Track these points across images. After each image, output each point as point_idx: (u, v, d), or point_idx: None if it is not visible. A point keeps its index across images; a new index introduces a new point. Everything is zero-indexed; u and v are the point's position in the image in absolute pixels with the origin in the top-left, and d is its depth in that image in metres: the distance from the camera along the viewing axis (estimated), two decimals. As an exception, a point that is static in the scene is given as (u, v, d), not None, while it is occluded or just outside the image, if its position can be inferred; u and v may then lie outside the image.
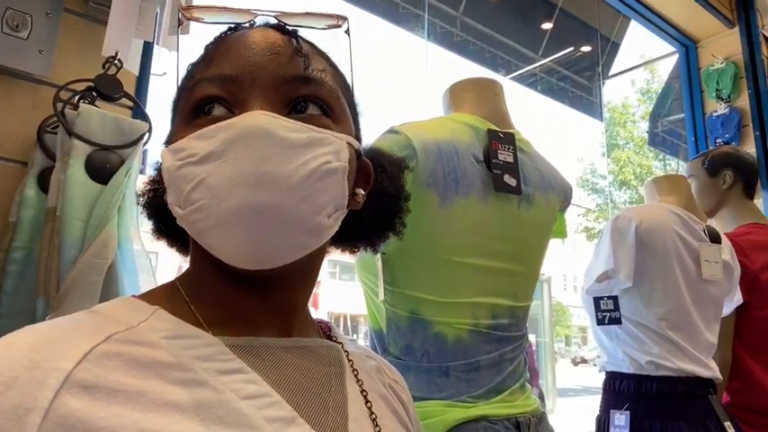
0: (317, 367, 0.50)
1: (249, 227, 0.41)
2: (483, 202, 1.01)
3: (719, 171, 1.96)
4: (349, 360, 0.55)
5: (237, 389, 0.42)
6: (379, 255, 1.03)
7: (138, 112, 1.20)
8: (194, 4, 1.24)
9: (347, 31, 0.54)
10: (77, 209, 0.97)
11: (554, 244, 1.26)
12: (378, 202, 0.58)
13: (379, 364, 0.61)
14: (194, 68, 0.50)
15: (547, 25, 4.68)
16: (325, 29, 0.53)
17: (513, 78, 6.22)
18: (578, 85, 5.46)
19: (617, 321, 1.49)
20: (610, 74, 5.63)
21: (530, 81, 6.15)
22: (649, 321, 1.47)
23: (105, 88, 1.08)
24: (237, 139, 0.42)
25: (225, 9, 0.52)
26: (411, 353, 0.99)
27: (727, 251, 1.61)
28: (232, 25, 0.51)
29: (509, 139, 1.05)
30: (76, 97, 1.05)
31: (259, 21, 0.51)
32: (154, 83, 1.37)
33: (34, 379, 0.36)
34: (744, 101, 3.55)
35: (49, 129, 1.06)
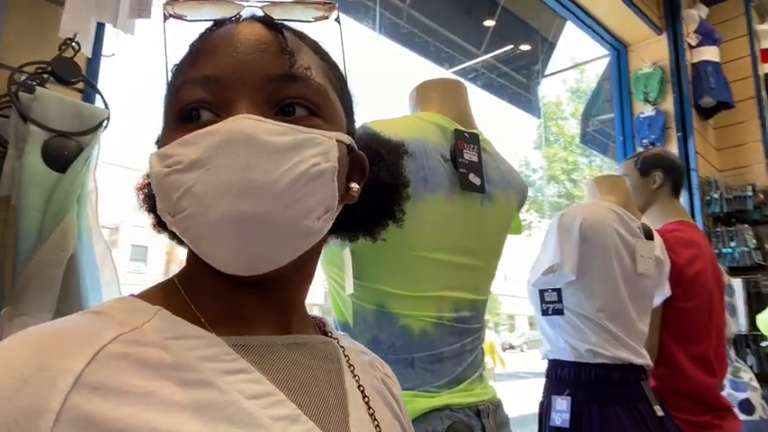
0: (316, 364, 0.51)
1: (236, 235, 0.42)
2: (449, 200, 1.04)
3: (650, 171, 2.10)
4: (345, 355, 0.56)
5: (243, 389, 0.43)
6: (347, 249, 1.05)
7: (91, 96, 1.15)
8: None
9: (337, 19, 0.53)
10: (34, 198, 0.93)
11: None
12: (374, 193, 0.58)
13: (372, 359, 0.63)
14: (180, 67, 0.49)
15: (489, 22, 4.81)
16: (312, 21, 0.52)
17: (455, 72, 6.35)
18: (517, 82, 5.64)
19: (560, 312, 1.58)
20: (546, 73, 5.85)
21: (471, 76, 6.32)
22: (589, 312, 1.56)
23: (62, 72, 1.04)
24: (221, 146, 0.42)
25: (208, 1, 0.49)
26: (377, 345, 1.02)
27: (658, 247, 1.74)
28: (217, 19, 0.50)
29: (474, 139, 1.09)
30: (32, 80, 1.00)
31: (245, 13, 0.49)
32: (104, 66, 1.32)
33: (45, 380, 0.36)
34: (668, 104, 3.79)
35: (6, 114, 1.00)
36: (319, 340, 0.54)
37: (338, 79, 0.54)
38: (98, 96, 1.11)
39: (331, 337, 0.58)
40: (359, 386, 0.54)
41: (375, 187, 0.58)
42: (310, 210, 0.44)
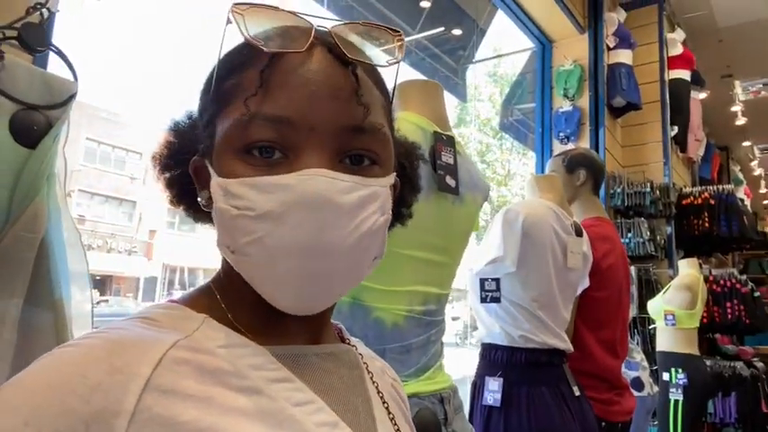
0: (343, 371, 0.54)
1: (301, 289, 0.45)
2: (426, 200, 1.09)
3: (576, 169, 2.27)
4: (364, 362, 0.59)
5: (288, 396, 0.45)
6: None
7: (49, 65, 1.07)
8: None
9: (400, 46, 0.52)
10: (2, 175, 0.87)
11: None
12: (396, 209, 0.59)
13: (383, 365, 0.66)
14: (242, 84, 0.47)
15: (425, 3, 4.84)
16: (386, 66, 0.51)
17: (386, 48, 6.32)
18: (446, 65, 5.73)
19: (497, 300, 1.69)
20: (474, 60, 6.00)
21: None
22: (524, 301, 1.69)
23: (30, 38, 0.96)
24: (297, 206, 0.43)
25: (280, 12, 0.47)
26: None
27: (585, 243, 1.91)
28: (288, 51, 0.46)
29: (450, 142, 1.15)
30: (-3, 46, 0.92)
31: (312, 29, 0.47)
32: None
33: (118, 383, 0.38)
34: (585, 101, 4.05)
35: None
36: (342, 348, 0.57)
37: (389, 105, 0.54)
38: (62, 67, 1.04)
39: (349, 344, 0.61)
40: (378, 392, 0.58)
41: (397, 205, 0.59)
42: (368, 259, 0.49)
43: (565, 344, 1.75)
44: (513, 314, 1.70)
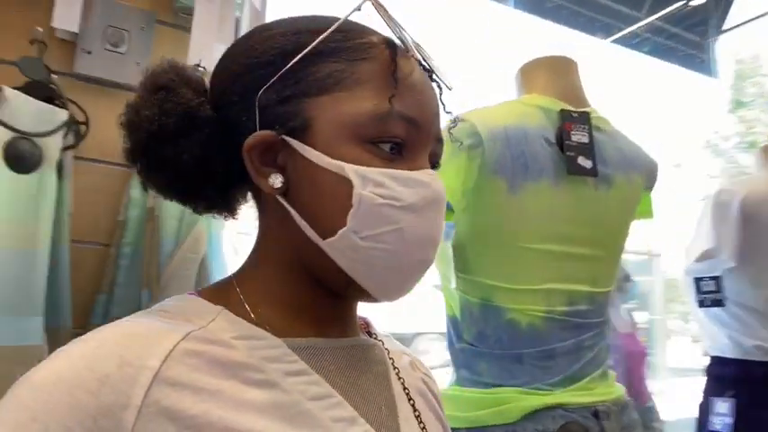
0: (367, 366, 0.52)
1: (415, 276, 0.49)
2: (555, 186, 0.98)
3: None
4: (390, 358, 0.56)
5: (304, 390, 0.44)
6: (449, 243, 1.04)
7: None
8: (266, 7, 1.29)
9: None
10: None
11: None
12: None
13: (413, 360, 0.62)
14: (363, 76, 0.47)
15: (650, -18, 4.31)
16: (452, 90, 0.54)
17: (614, 41, 5.79)
18: (688, 42, 4.98)
19: (719, 303, 1.39)
20: (724, 27, 5.06)
21: (633, 42, 5.69)
22: (756, 303, 1.35)
23: (28, 70, 1.09)
24: (433, 203, 0.48)
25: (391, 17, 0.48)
26: (484, 339, 1.00)
27: None
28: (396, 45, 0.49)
29: (583, 119, 1.01)
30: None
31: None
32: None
33: (127, 376, 0.38)
34: None
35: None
36: (368, 343, 0.55)
37: None
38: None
39: (376, 338, 0.58)
40: (404, 388, 0.55)
41: None
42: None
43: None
44: (742, 319, 1.37)
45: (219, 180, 0.50)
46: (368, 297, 0.49)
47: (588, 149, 0.99)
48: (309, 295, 0.50)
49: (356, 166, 0.45)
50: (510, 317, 0.98)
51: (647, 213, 1.17)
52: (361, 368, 0.51)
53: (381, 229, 0.45)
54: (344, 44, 0.48)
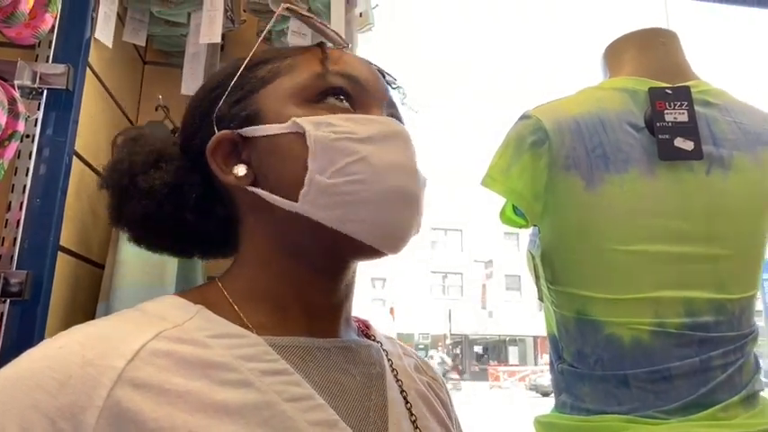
0: (358, 368, 0.49)
1: (402, 209, 0.47)
2: (650, 176, 0.83)
3: None
4: (388, 359, 0.53)
5: (281, 390, 0.42)
6: (534, 254, 0.94)
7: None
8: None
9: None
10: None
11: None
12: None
13: (418, 362, 0.58)
14: (302, 57, 0.51)
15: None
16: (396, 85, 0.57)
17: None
18: None
19: None
20: None
21: None
22: None
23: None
24: (393, 135, 0.48)
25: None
26: (583, 360, 0.87)
27: None
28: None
29: (681, 95, 0.85)
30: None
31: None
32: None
33: (89, 376, 0.37)
34: None
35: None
36: (362, 344, 0.52)
37: None
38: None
39: (374, 340, 0.55)
40: (401, 391, 0.51)
41: None
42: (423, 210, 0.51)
43: None
44: None
45: (195, 207, 0.51)
46: (362, 250, 0.46)
47: (689, 129, 0.83)
48: (296, 289, 0.48)
49: (307, 118, 0.46)
50: (609, 332, 0.84)
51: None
52: (350, 369, 0.49)
53: (344, 161, 0.45)
54: (280, 51, 0.53)
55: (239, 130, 0.49)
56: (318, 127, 0.46)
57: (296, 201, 0.45)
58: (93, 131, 1.19)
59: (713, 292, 0.83)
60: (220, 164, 0.49)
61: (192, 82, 1.35)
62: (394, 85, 0.56)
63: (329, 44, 0.54)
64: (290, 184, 0.45)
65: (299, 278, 0.48)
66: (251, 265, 0.50)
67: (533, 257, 0.96)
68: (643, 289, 0.83)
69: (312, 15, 0.55)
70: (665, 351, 0.81)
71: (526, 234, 1.05)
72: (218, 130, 0.50)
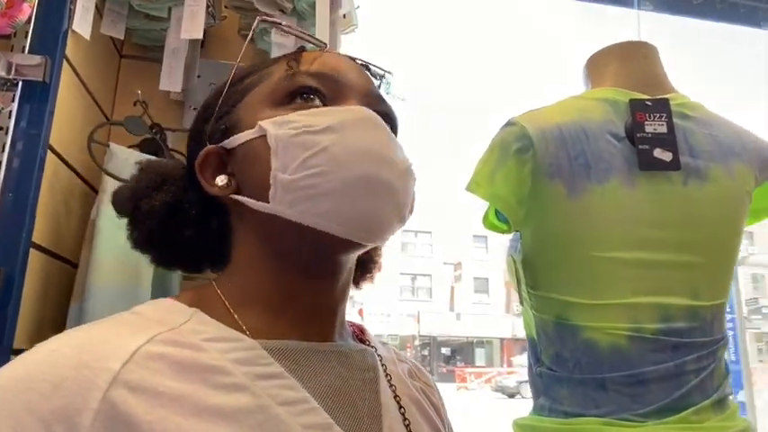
0: (352, 373, 0.49)
1: (370, 197, 0.44)
2: (629, 185, 0.86)
3: None
4: (382, 365, 0.53)
5: (275, 394, 0.42)
6: (515, 258, 0.96)
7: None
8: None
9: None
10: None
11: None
12: None
13: (411, 368, 0.58)
14: (278, 64, 0.52)
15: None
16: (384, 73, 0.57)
17: (791, 29, 4.96)
18: None
19: None
20: None
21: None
22: None
23: (132, 128, 1.23)
24: (359, 121, 0.46)
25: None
26: (561, 363, 0.89)
27: None
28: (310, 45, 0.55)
29: (661, 107, 0.88)
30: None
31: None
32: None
33: (84, 378, 0.37)
34: None
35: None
36: (356, 348, 0.52)
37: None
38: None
39: (369, 345, 0.55)
40: (395, 396, 0.51)
41: None
42: (410, 200, 0.49)
43: None
44: None
45: (195, 223, 0.53)
46: (337, 243, 0.45)
47: (667, 140, 0.86)
48: (287, 291, 0.48)
49: (269, 120, 0.47)
50: (587, 336, 0.86)
51: (762, 212, 0.97)
52: (344, 374, 0.49)
53: (304, 155, 0.44)
54: (264, 62, 0.55)
55: (222, 143, 0.50)
56: (279, 126, 0.46)
57: (267, 202, 0.45)
58: (69, 125, 1.16)
59: (687, 298, 0.86)
60: (209, 178, 0.50)
61: (170, 78, 1.33)
62: (378, 76, 0.56)
63: (311, 47, 0.55)
64: (261, 186, 0.46)
65: (288, 280, 0.48)
66: (243, 268, 0.50)
67: (515, 262, 0.97)
68: (621, 295, 0.85)
69: (289, 24, 0.57)
70: (642, 356, 0.84)
71: (495, 237, 1.07)
72: (209, 144, 0.52)
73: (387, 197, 0.45)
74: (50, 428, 0.34)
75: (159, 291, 1.19)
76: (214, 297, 0.49)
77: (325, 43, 0.56)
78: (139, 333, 0.41)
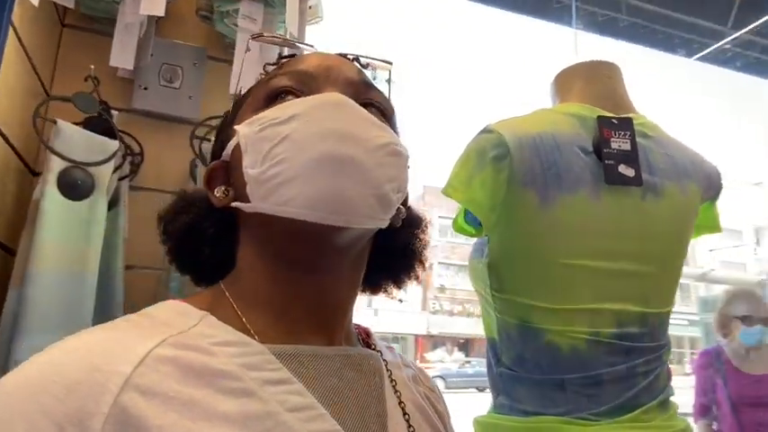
0: (358, 378, 0.49)
1: (332, 175, 0.43)
2: (594, 198, 0.91)
3: None
4: (387, 370, 0.53)
5: (283, 400, 0.42)
6: (484, 261, 0.99)
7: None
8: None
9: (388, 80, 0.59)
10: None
11: None
12: (409, 230, 0.58)
13: (416, 373, 0.59)
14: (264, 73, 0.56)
15: (733, -7, 4.03)
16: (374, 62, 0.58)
17: (699, 59, 5.44)
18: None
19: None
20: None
21: (722, 59, 5.31)
22: None
23: (81, 104, 1.14)
24: (321, 105, 0.46)
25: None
26: (523, 364, 0.93)
27: None
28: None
29: (625, 125, 0.94)
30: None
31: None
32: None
33: (96, 382, 0.37)
34: None
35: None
36: (362, 353, 0.52)
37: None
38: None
39: (375, 349, 0.56)
40: (399, 402, 0.52)
41: (410, 226, 0.58)
42: (391, 178, 0.46)
43: None
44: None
45: (215, 240, 0.53)
46: (313, 230, 0.43)
47: (631, 157, 0.91)
48: (290, 290, 0.48)
49: (248, 120, 0.48)
50: (548, 339, 0.90)
51: (713, 227, 1.06)
52: (351, 379, 0.48)
53: (267, 147, 0.45)
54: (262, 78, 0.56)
55: (222, 157, 0.52)
56: (249, 125, 0.47)
57: (249, 201, 0.46)
58: (10, 99, 1.06)
59: (639, 305, 0.92)
60: (213, 187, 0.52)
61: (122, 54, 1.25)
62: (365, 65, 0.57)
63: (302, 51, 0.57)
64: (243, 186, 0.46)
65: (289, 279, 0.48)
66: (247, 271, 0.50)
67: (480, 265, 1.00)
68: (582, 300, 0.90)
69: (281, 35, 0.60)
70: (598, 359, 0.89)
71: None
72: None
73: (351, 173, 0.43)
74: (65, 431, 0.35)
75: (105, 277, 1.12)
76: (223, 300, 0.49)
77: (311, 45, 0.58)
78: (149, 336, 0.41)
